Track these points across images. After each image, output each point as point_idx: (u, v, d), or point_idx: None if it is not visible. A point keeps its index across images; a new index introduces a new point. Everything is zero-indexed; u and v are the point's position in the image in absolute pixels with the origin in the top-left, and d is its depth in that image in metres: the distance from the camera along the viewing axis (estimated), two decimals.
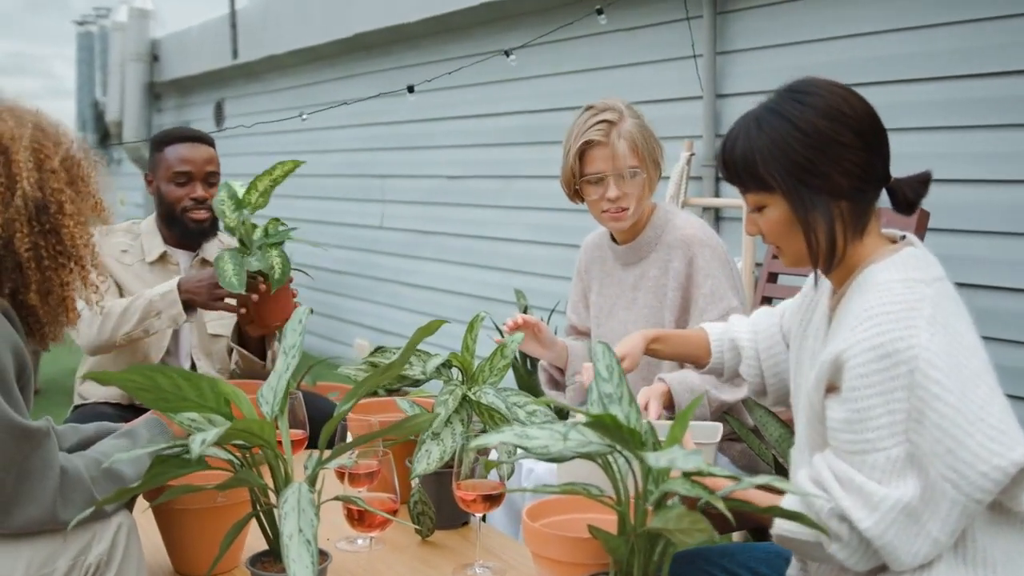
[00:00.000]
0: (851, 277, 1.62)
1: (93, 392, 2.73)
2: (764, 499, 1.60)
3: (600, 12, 3.61)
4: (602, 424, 1.44)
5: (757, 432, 2.39)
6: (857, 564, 1.48)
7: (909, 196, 1.64)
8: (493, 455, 2.21)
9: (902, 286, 1.52)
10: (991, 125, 2.84)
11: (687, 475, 1.46)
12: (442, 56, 5.24)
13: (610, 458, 1.54)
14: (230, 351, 2.81)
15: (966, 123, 2.91)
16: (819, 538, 1.49)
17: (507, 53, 3.72)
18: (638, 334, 2.08)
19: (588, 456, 1.53)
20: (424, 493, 2.01)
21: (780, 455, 2.35)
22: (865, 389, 1.47)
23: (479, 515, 1.88)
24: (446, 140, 5.39)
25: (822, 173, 1.56)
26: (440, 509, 2.04)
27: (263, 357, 2.79)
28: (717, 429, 2.02)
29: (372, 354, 2.09)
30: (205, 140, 2.81)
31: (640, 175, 2.38)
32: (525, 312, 4.38)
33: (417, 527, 2.00)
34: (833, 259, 1.59)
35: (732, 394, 2.32)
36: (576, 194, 2.46)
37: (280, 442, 1.63)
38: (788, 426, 2.22)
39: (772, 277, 3.20)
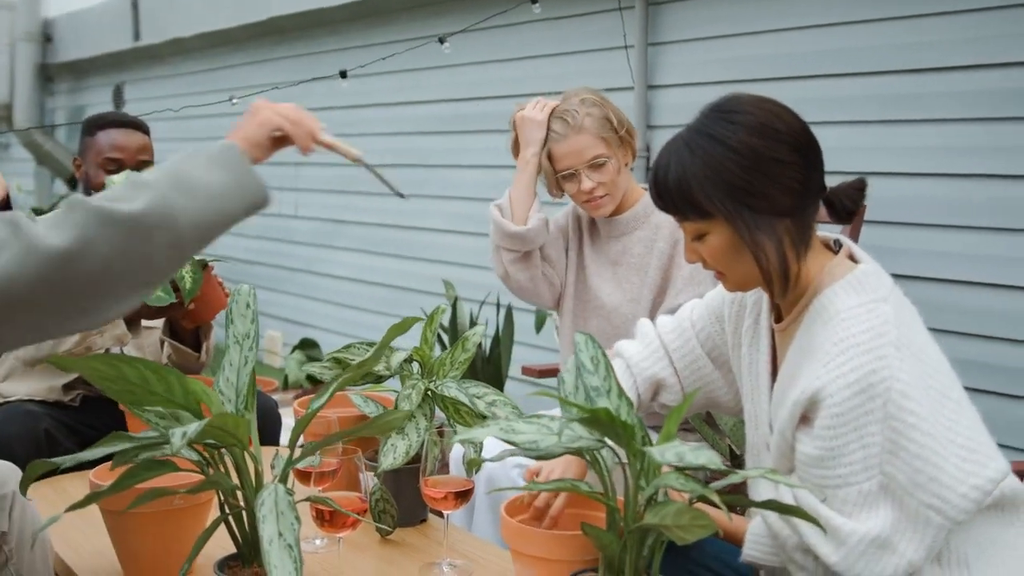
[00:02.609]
0: (804, 300, 1.58)
1: (15, 390, 2.57)
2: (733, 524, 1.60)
3: (535, 1, 3.57)
4: (596, 419, 1.40)
5: (711, 421, 2.39)
6: None
7: (847, 205, 1.62)
8: (458, 448, 2.17)
9: (864, 311, 1.50)
10: (926, 120, 2.90)
11: (679, 470, 1.44)
12: (365, 42, 5.12)
13: (596, 453, 1.51)
14: (162, 343, 2.69)
15: (899, 117, 2.97)
16: (786, 564, 1.50)
17: (441, 40, 3.65)
18: (572, 463, 1.80)
19: (578, 452, 1.49)
20: (386, 491, 1.95)
21: (735, 444, 2.36)
22: (840, 427, 1.45)
23: (448, 512, 1.83)
24: (367, 128, 5.27)
25: (762, 193, 1.51)
26: (398, 506, 1.98)
27: (197, 349, 2.69)
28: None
29: (339, 351, 2.02)
30: (139, 127, 2.70)
31: (610, 161, 2.43)
32: (455, 303, 4.33)
33: (380, 526, 1.94)
34: (788, 281, 1.55)
35: None
36: (557, 189, 2.53)
37: (251, 440, 1.55)
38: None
39: None
